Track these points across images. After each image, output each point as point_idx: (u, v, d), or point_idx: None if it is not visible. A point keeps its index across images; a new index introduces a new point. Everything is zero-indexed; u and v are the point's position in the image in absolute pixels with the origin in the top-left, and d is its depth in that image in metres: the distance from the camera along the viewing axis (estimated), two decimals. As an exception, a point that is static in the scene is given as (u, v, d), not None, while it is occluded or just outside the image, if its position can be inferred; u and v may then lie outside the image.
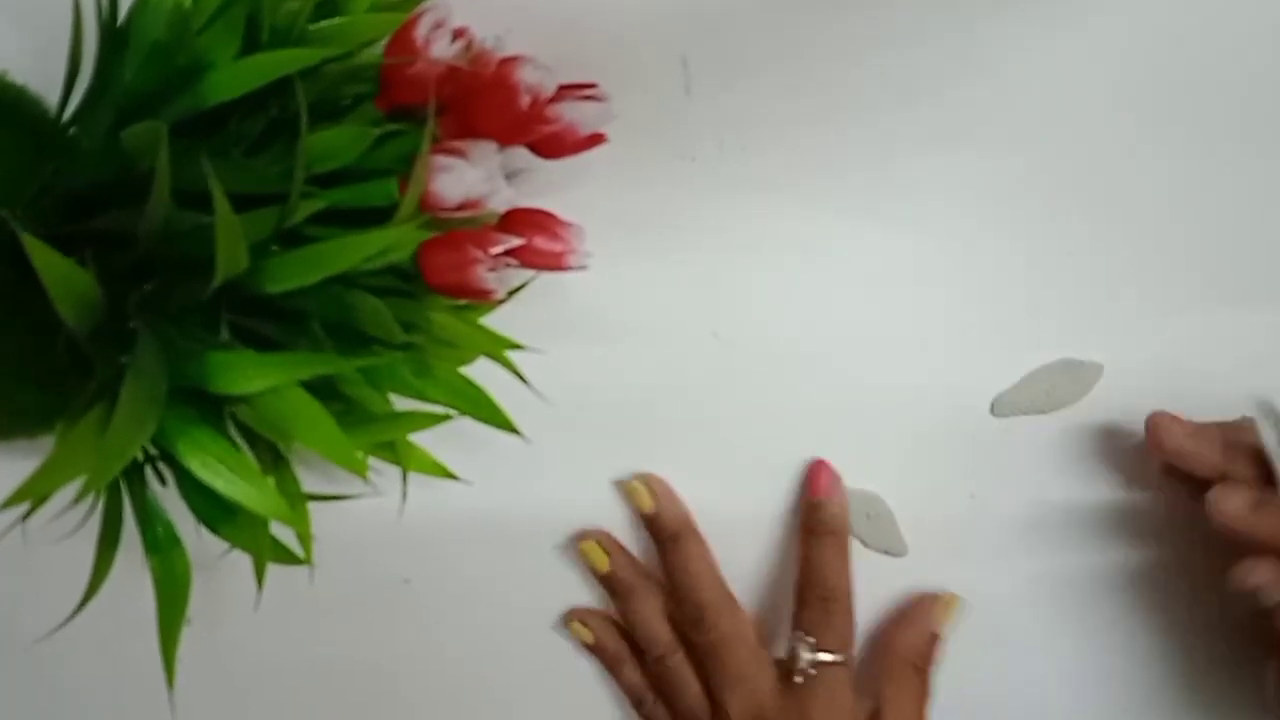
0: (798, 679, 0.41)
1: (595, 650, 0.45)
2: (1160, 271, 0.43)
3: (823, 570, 0.43)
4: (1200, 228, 0.42)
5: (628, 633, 0.45)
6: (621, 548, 0.45)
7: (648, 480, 0.44)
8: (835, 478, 0.44)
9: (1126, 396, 0.43)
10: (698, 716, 0.43)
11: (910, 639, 0.43)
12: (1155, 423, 0.40)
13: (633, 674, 0.45)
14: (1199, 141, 0.42)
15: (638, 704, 0.45)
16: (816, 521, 0.43)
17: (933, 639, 0.43)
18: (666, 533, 0.44)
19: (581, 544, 0.44)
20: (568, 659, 0.46)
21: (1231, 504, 0.38)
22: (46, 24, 0.35)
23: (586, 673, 0.46)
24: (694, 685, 0.43)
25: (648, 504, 0.44)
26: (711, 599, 0.43)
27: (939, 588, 0.44)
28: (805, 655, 0.41)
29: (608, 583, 0.45)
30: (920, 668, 0.43)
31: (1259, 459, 0.39)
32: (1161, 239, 0.43)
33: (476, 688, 0.46)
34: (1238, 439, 0.40)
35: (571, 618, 0.45)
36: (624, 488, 0.45)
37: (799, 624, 0.42)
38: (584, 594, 0.46)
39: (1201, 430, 0.40)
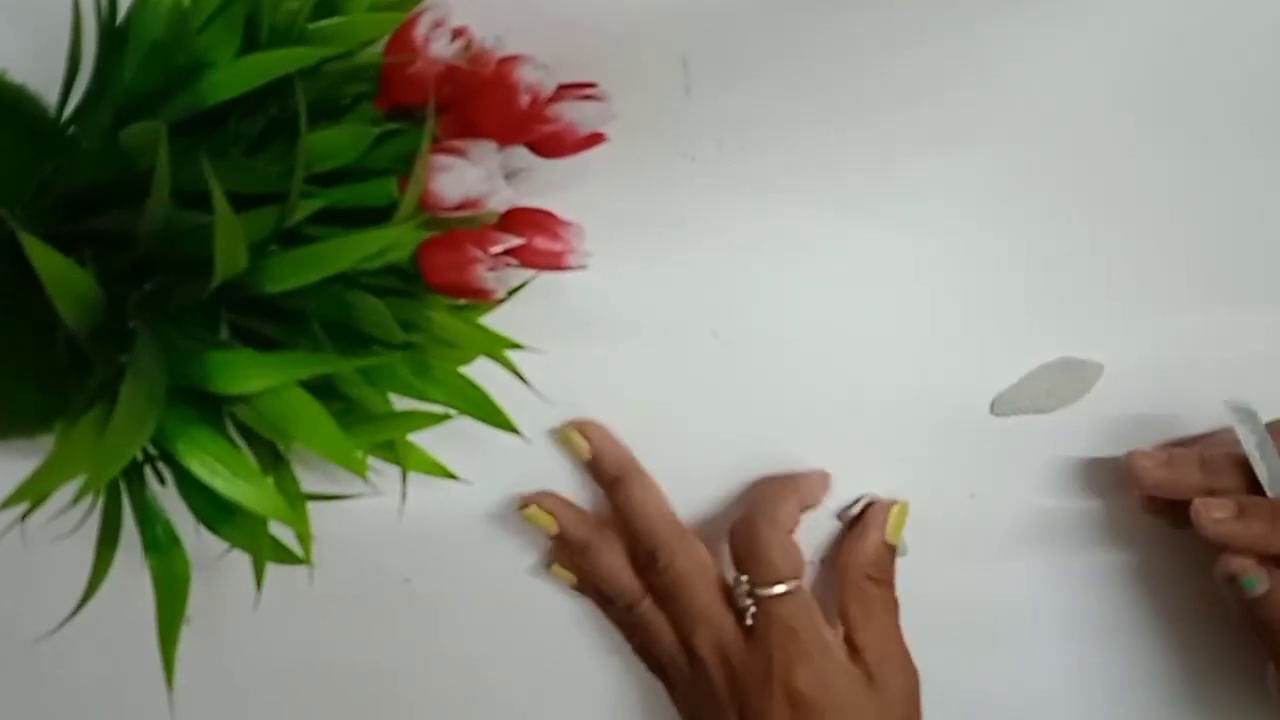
0: (748, 621, 0.40)
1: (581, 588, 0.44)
2: (1160, 271, 0.43)
3: (751, 507, 0.42)
4: (1200, 228, 0.42)
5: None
6: (567, 504, 0.44)
7: (581, 426, 0.43)
8: None
9: (1126, 396, 0.43)
10: (675, 660, 0.42)
11: (863, 553, 0.42)
12: (1129, 463, 0.40)
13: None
14: (1199, 141, 0.42)
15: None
16: None
17: (885, 549, 0.42)
18: (609, 476, 0.43)
19: (524, 511, 0.43)
20: (568, 659, 0.46)
21: (1217, 514, 0.38)
22: (46, 24, 0.35)
23: (587, 672, 0.46)
24: (667, 632, 0.42)
25: (584, 450, 0.43)
26: (663, 538, 0.42)
27: (939, 588, 0.44)
28: (743, 595, 0.40)
29: (560, 543, 0.44)
30: (877, 579, 0.42)
31: (1240, 467, 0.39)
32: (1161, 239, 0.42)
33: (476, 688, 0.46)
34: (1213, 454, 0.40)
35: (550, 559, 0.45)
36: (558, 435, 0.44)
37: (734, 564, 0.41)
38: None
39: (1175, 456, 0.40)
